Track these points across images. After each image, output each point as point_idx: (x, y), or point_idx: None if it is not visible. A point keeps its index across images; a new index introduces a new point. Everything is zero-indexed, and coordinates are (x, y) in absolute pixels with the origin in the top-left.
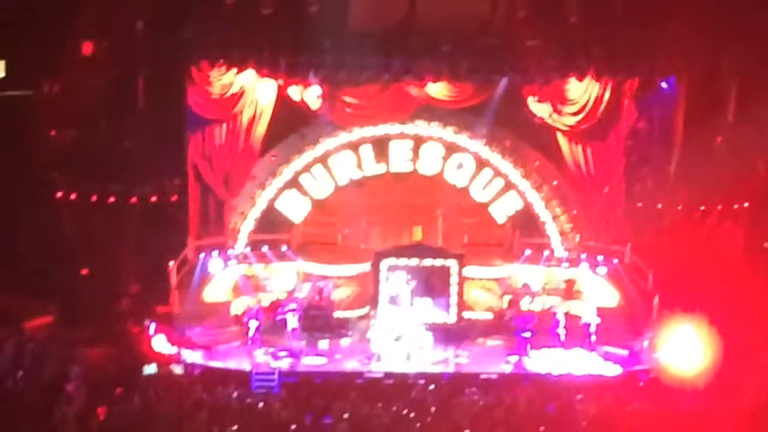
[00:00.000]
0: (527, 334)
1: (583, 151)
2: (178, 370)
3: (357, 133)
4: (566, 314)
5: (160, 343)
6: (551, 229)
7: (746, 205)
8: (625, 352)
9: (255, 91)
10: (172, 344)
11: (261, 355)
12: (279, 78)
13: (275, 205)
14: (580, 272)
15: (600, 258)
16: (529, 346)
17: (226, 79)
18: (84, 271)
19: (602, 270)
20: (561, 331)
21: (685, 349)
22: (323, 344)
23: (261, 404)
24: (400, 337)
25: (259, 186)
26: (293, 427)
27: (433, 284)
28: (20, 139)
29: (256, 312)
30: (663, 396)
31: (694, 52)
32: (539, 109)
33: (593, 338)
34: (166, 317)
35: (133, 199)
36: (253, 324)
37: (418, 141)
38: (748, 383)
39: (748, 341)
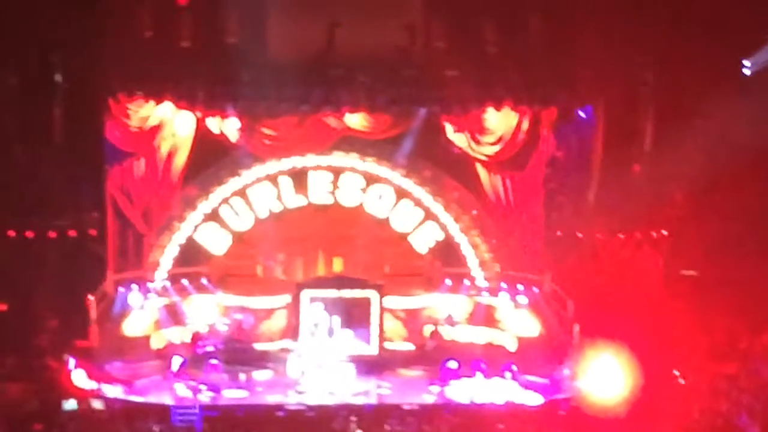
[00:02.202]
0: (453, 365)
1: (502, 181)
2: (98, 405)
3: (276, 165)
4: (487, 344)
5: (79, 378)
6: (471, 259)
7: (664, 232)
8: (545, 381)
9: (173, 124)
10: (92, 379)
11: (182, 389)
12: (197, 110)
13: (195, 237)
14: (501, 301)
15: (520, 287)
16: (451, 376)
17: (144, 112)
18: (2, 307)
19: (522, 299)
20: (482, 360)
21: (605, 377)
22: (244, 377)
23: None
24: (322, 369)
25: (178, 219)
26: None
27: (353, 315)
28: None
29: (176, 346)
30: (584, 424)
31: (610, 81)
32: (458, 139)
33: (514, 367)
34: (85, 352)
35: (52, 234)
36: (173, 358)
37: (338, 172)
38: (668, 411)
39: (668, 368)
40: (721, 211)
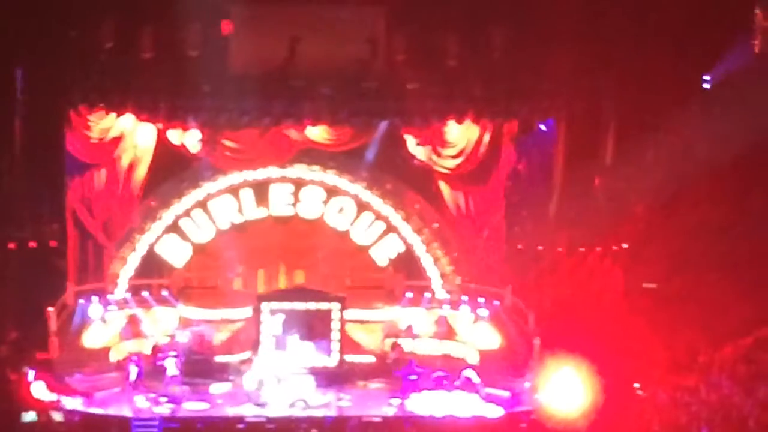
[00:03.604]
0: (413, 377)
1: (463, 194)
2: (57, 417)
3: (237, 177)
4: (448, 356)
5: (39, 390)
6: (432, 272)
7: (625, 246)
8: (506, 394)
9: (134, 135)
10: (52, 391)
11: (142, 402)
12: (158, 122)
13: (155, 249)
14: (462, 314)
15: (481, 300)
16: (412, 389)
17: (104, 123)
18: None
19: (483, 312)
20: (442, 373)
21: (565, 390)
22: (205, 389)
23: None
24: (282, 381)
25: (139, 231)
26: None
27: (314, 327)
28: None
29: (136, 358)
30: None
31: (572, 94)
32: (419, 152)
33: (475, 380)
34: (45, 364)
35: (11, 245)
36: (133, 370)
37: (299, 185)
38: (628, 423)
39: (628, 381)
40: (682, 225)
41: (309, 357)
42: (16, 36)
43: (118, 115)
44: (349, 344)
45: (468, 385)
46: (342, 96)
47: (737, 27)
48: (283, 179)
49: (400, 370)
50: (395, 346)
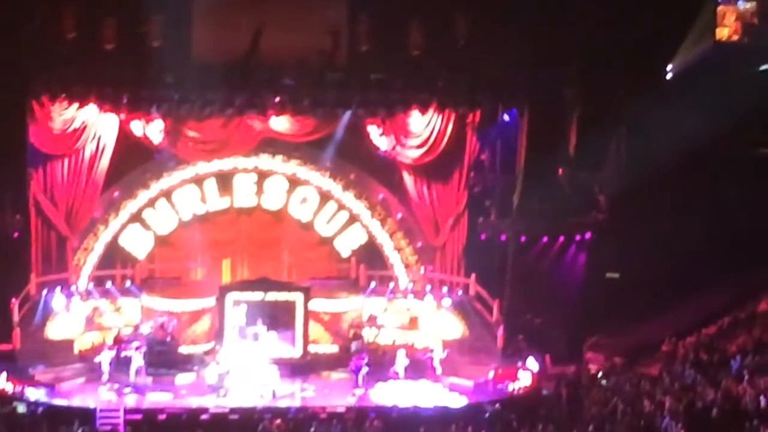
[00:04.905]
0: (365, 370)
1: (427, 184)
2: (21, 408)
3: (200, 167)
4: (411, 346)
5: (2, 382)
6: (396, 262)
7: (588, 236)
8: (470, 383)
9: (97, 126)
10: (15, 382)
11: (105, 392)
12: (121, 113)
13: (119, 240)
14: (425, 304)
15: (445, 290)
16: (375, 379)
17: (67, 114)
18: None
19: (447, 302)
20: (405, 363)
21: (528, 378)
22: (168, 380)
23: None
24: (246, 371)
25: (102, 221)
26: None
27: (278, 318)
28: None
29: (100, 348)
30: (508, 426)
31: (535, 84)
32: (383, 142)
33: (438, 370)
34: (8, 355)
35: None
36: (99, 360)
37: (262, 175)
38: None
39: (591, 370)
40: (645, 215)
41: (273, 347)
42: None
43: (81, 106)
44: (312, 335)
45: (431, 374)
46: (305, 86)
47: (699, 17)
48: (247, 169)
49: (350, 364)
50: (358, 337)
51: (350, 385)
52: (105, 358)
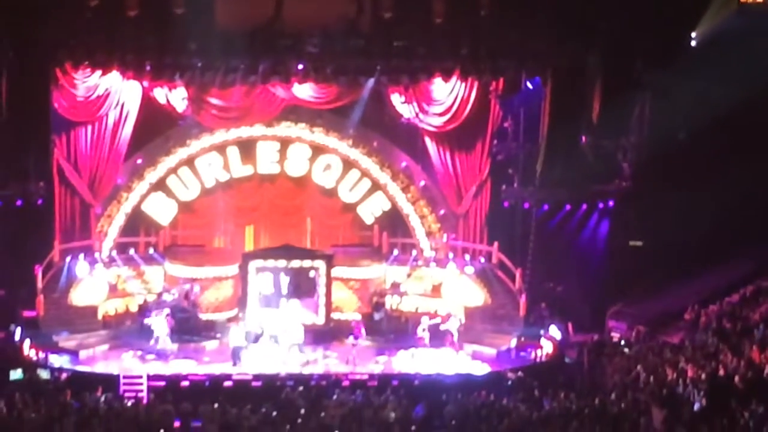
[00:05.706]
0: (350, 340)
1: (449, 152)
2: (44, 375)
3: (223, 135)
4: (434, 314)
5: (26, 348)
6: (419, 230)
7: (611, 203)
8: (492, 351)
9: (120, 93)
10: (39, 349)
11: (129, 359)
12: (144, 80)
13: (142, 207)
14: (448, 272)
15: (467, 257)
16: (398, 346)
17: (90, 81)
18: None
19: (469, 269)
20: (428, 330)
21: (551, 347)
22: (192, 347)
23: (129, 408)
24: (269, 339)
25: (125, 188)
26: (161, 431)
27: (301, 285)
28: None
29: (124, 315)
30: (530, 394)
31: (558, 52)
32: (406, 109)
33: (458, 338)
34: (32, 322)
35: None
36: (121, 327)
37: (285, 142)
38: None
39: (613, 338)
40: (668, 183)
41: (296, 315)
42: None
43: (104, 74)
44: (336, 302)
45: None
46: (328, 54)
47: None
48: (270, 137)
49: (386, 328)
50: (381, 304)
51: (374, 353)
52: (122, 325)
